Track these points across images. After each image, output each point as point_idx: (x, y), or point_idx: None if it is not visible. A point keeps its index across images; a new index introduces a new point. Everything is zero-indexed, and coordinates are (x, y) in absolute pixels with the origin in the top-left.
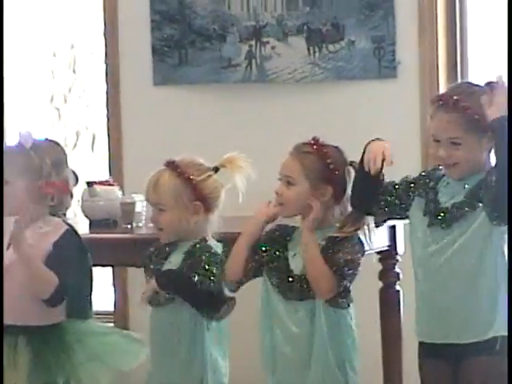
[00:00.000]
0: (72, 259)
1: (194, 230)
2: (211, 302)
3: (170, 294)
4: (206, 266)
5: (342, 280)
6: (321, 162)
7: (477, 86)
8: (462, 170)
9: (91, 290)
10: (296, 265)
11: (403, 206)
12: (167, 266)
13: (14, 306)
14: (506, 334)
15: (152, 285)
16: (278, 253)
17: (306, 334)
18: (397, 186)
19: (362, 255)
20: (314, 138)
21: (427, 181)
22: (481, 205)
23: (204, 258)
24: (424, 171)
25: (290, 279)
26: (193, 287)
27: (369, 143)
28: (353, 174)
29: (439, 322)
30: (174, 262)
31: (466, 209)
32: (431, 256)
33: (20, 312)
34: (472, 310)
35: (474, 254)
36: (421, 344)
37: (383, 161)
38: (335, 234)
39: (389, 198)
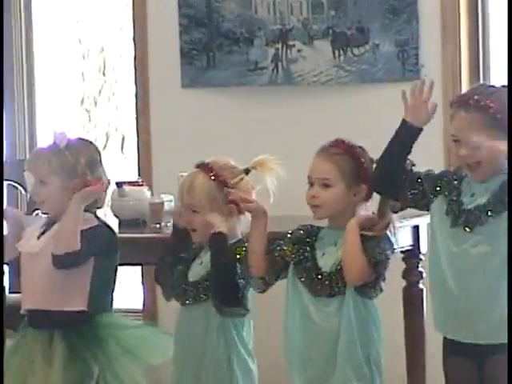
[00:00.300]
0: (101, 248)
1: (228, 232)
2: (236, 298)
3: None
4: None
5: (374, 270)
6: (354, 162)
7: (497, 87)
8: (484, 171)
9: (114, 286)
10: (325, 263)
11: (425, 200)
12: (195, 269)
13: (38, 290)
14: None
15: None
16: (306, 254)
17: (335, 329)
18: (421, 179)
19: (392, 252)
20: (338, 140)
21: (451, 179)
22: (505, 211)
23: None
24: (448, 169)
25: (319, 277)
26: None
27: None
28: None
29: (459, 322)
30: (205, 262)
31: (490, 213)
32: (453, 257)
33: (42, 296)
34: (493, 312)
35: (497, 258)
36: (445, 339)
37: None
38: (365, 233)
39: (414, 188)
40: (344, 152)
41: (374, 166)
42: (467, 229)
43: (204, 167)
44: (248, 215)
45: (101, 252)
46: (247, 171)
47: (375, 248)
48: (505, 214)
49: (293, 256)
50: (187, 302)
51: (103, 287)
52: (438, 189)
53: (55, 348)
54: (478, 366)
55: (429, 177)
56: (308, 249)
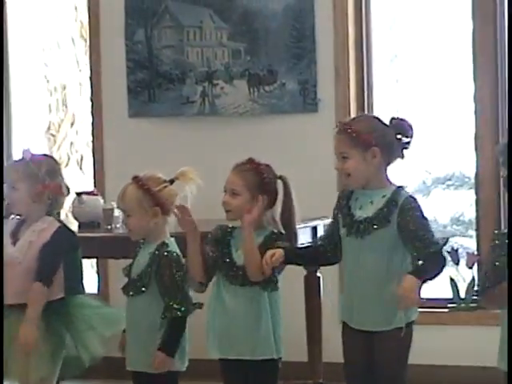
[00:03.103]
0: (65, 247)
1: (155, 230)
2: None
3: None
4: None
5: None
6: (258, 177)
7: (370, 116)
8: (356, 180)
9: (82, 273)
10: (238, 257)
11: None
12: (136, 267)
13: (20, 290)
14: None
15: None
16: (224, 250)
17: (244, 311)
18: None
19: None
20: (249, 159)
21: (340, 200)
22: (389, 224)
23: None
24: (339, 193)
25: (234, 269)
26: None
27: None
28: (286, 181)
29: (356, 312)
30: (143, 259)
31: (375, 226)
32: (350, 263)
33: (25, 295)
34: (379, 304)
35: (384, 260)
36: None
37: None
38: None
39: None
40: (250, 168)
41: (278, 181)
42: (358, 236)
43: (134, 179)
44: (173, 218)
45: (67, 247)
46: (172, 181)
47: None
48: (389, 227)
49: (216, 254)
50: (129, 294)
51: (75, 276)
52: (337, 216)
53: None
54: (367, 340)
55: (325, 233)
56: (226, 246)
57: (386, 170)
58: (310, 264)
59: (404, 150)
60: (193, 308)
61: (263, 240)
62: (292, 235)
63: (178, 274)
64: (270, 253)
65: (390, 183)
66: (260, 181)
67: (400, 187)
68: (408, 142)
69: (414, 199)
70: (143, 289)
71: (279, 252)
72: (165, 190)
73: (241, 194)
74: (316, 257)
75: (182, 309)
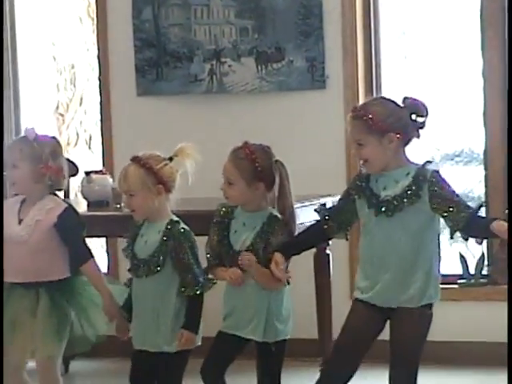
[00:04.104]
0: (73, 228)
1: (159, 208)
2: None
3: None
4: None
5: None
6: (251, 164)
7: (384, 98)
8: (375, 165)
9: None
10: (234, 240)
11: (351, 215)
12: (144, 247)
13: (31, 267)
14: (435, 301)
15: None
16: (224, 233)
17: (248, 291)
18: (327, 217)
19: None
20: (245, 143)
21: (358, 183)
22: (420, 199)
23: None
24: (355, 177)
25: (231, 253)
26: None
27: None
28: (281, 167)
29: (383, 290)
30: (152, 239)
31: (406, 202)
32: (378, 240)
33: (35, 272)
34: (410, 282)
35: (415, 237)
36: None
37: None
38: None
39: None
40: (244, 156)
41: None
42: (389, 216)
43: (134, 159)
44: (176, 194)
45: (74, 228)
46: (171, 159)
47: (275, 240)
48: (419, 202)
49: (216, 238)
50: (140, 275)
51: (80, 255)
52: (352, 197)
53: (40, 301)
54: (383, 317)
55: (342, 200)
56: (225, 228)
57: (404, 150)
58: (311, 248)
59: (420, 130)
60: (210, 283)
61: (261, 226)
62: (289, 220)
63: (194, 251)
64: (273, 265)
65: (410, 161)
66: (254, 168)
67: (425, 164)
68: (423, 122)
69: (439, 172)
70: (158, 268)
71: (278, 256)
72: (166, 168)
73: (236, 184)
74: (313, 238)
75: (200, 285)
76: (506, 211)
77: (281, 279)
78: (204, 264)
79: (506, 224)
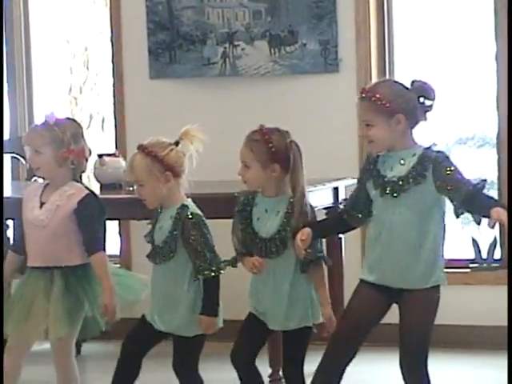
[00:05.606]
0: (93, 215)
1: (170, 195)
2: None
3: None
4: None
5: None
6: (266, 147)
7: (392, 81)
8: (380, 146)
9: (105, 239)
10: (259, 228)
11: (367, 199)
12: (159, 233)
13: (44, 253)
14: (442, 283)
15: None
16: (247, 220)
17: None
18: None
19: (315, 216)
20: (260, 126)
21: (366, 165)
22: (425, 179)
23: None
24: (365, 161)
25: (257, 241)
26: None
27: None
28: (294, 148)
29: (390, 271)
30: (166, 225)
31: (412, 183)
32: (384, 220)
33: (52, 256)
34: (418, 262)
35: (421, 217)
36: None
37: None
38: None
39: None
40: (259, 139)
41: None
42: (394, 196)
43: (140, 148)
44: (186, 178)
45: (94, 215)
46: (177, 143)
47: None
48: (425, 183)
49: (241, 226)
50: (157, 262)
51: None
52: (363, 181)
53: (54, 284)
54: (389, 299)
55: (350, 199)
56: (248, 216)
57: (411, 132)
58: (333, 234)
59: (427, 113)
60: (224, 266)
61: (285, 212)
62: (299, 200)
63: (204, 235)
64: (298, 236)
65: (416, 144)
66: (268, 149)
67: (430, 146)
68: (431, 105)
69: (444, 153)
70: (171, 254)
71: (306, 231)
72: (172, 153)
73: (251, 167)
74: (337, 226)
75: (213, 268)
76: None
77: (300, 251)
78: (220, 247)
79: (505, 213)
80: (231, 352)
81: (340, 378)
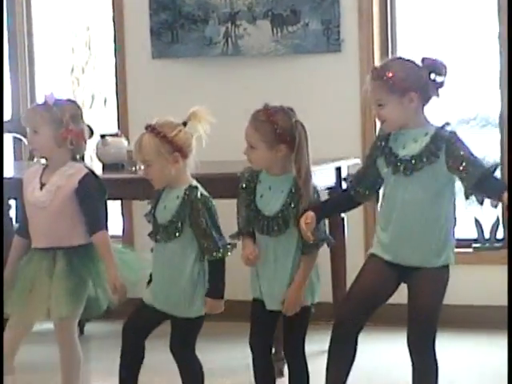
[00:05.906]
0: (94, 194)
1: (178, 175)
2: None
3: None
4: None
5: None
6: (271, 127)
7: (403, 59)
8: (392, 124)
9: (107, 218)
10: (262, 205)
11: (375, 176)
12: (163, 212)
13: (46, 234)
14: (451, 263)
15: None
16: (250, 197)
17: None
18: (354, 190)
19: (318, 196)
20: (265, 106)
21: (377, 143)
22: (438, 159)
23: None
24: (376, 137)
25: (260, 218)
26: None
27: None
28: (300, 128)
29: (402, 248)
30: (171, 204)
31: (425, 161)
32: (398, 198)
33: (55, 236)
34: (429, 240)
35: (433, 196)
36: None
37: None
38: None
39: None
40: (264, 119)
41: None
42: (407, 175)
43: (148, 128)
44: (193, 159)
45: (95, 194)
46: (185, 123)
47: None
48: (437, 162)
49: (245, 203)
50: (160, 241)
51: (100, 220)
52: (373, 158)
53: (57, 264)
54: (399, 276)
55: (357, 174)
56: (251, 192)
57: (423, 110)
58: (342, 212)
59: (439, 89)
60: (230, 248)
61: (289, 190)
62: (305, 180)
63: (212, 216)
64: (303, 220)
65: (428, 122)
66: (273, 130)
67: (444, 125)
68: (442, 81)
69: (457, 133)
70: (177, 233)
71: (310, 215)
72: (181, 134)
73: (257, 147)
74: (342, 203)
75: (220, 250)
76: None
77: (307, 235)
78: (222, 227)
79: None
80: (249, 338)
81: (356, 344)
